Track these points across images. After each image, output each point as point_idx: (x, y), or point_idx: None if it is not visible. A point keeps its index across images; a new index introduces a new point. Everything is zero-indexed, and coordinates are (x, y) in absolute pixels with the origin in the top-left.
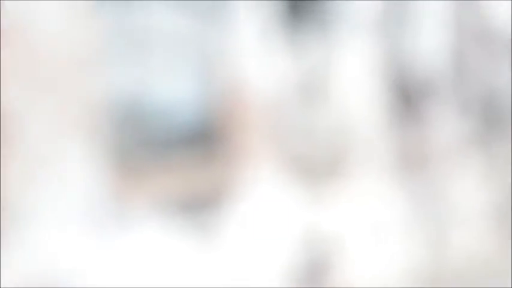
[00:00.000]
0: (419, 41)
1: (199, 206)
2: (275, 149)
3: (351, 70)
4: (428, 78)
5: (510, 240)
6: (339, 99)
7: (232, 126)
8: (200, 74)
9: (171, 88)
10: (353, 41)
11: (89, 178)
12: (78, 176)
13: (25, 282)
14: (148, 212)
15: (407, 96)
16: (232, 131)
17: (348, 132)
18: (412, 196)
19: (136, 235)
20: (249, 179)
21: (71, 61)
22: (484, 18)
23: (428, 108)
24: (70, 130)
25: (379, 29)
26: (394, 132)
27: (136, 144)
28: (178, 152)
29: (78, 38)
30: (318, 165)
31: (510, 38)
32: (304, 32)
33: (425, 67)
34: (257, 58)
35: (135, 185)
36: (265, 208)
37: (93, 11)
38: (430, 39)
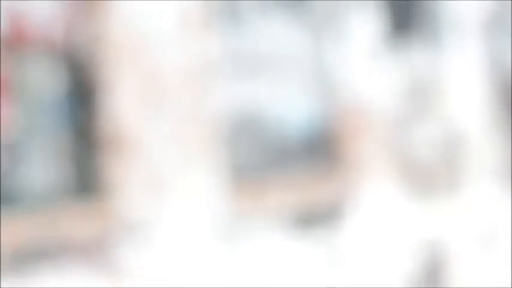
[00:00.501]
0: None
1: (317, 218)
2: (389, 159)
3: (460, 77)
4: None
5: None
6: (449, 107)
7: (347, 139)
8: (314, 87)
9: (287, 102)
10: (460, 48)
11: (210, 191)
12: (201, 189)
13: None
14: (266, 223)
15: None
16: (347, 144)
17: (459, 140)
18: None
19: (255, 246)
20: (364, 190)
21: (188, 76)
22: None
23: None
24: (191, 145)
25: (485, 35)
26: (502, 138)
27: (253, 157)
28: (295, 165)
29: (195, 54)
30: (430, 173)
31: None
32: (412, 43)
33: None
34: (369, 71)
35: (253, 198)
36: (382, 217)
37: (209, 27)
38: None
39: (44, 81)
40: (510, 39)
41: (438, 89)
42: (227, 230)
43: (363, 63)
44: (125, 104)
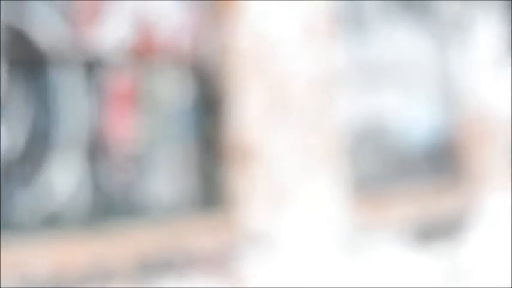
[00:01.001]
0: None
1: (439, 230)
2: None
3: None
4: None
5: None
6: None
7: (471, 149)
8: (439, 96)
9: (410, 112)
10: None
11: (332, 202)
12: (323, 200)
13: None
14: (387, 235)
15: None
16: (470, 154)
17: None
18: None
19: (376, 258)
20: (488, 201)
21: (313, 86)
22: None
23: None
24: (314, 156)
25: None
26: None
27: (375, 168)
28: (417, 176)
29: (320, 63)
30: None
31: None
32: None
33: None
34: (493, 79)
35: (375, 209)
36: (506, 230)
37: (334, 36)
38: None
39: (170, 92)
40: None
41: None
42: (348, 241)
43: (488, 71)
44: (250, 115)
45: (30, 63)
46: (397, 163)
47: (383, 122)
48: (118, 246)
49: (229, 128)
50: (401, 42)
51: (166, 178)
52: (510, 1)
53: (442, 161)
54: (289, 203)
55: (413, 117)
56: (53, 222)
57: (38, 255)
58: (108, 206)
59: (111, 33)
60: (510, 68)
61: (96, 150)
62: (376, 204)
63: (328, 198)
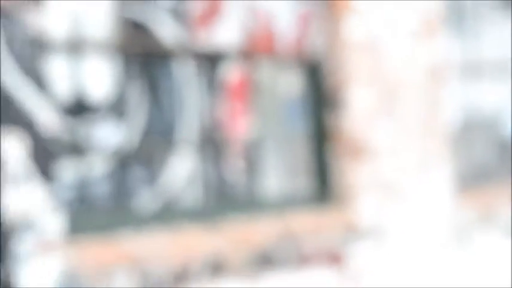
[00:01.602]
0: None
1: None
2: None
3: None
4: None
5: None
6: None
7: None
8: None
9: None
10: None
11: (443, 198)
12: (434, 196)
13: None
14: (497, 230)
15: None
16: None
17: None
18: None
19: (485, 252)
20: None
21: (423, 82)
22: None
23: None
24: (426, 152)
25: None
26: None
27: (486, 164)
28: None
29: (429, 60)
30: None
31: None
32: None
33: None
34: None
35: (484, 205)
36: None
37: (441, 34)
38: None
39: (284, 86)
40: None
41: None
42: (457, 233)
43: None
44: (362, 110)
45: (151, 57)
46: (500, 156)
47: (491, 119)
48: (232, 240)
49: (342, 123)
50: (506, 38)
51: (279, 173)
52: None
53: None
54: (400, 197)
55: None
56: (169, 216)
57: (156, 250)
58: (222, 200)
59: (228, 29)
60: None
61: (210, 143)
62: (483, 196)
63: (438, 191)
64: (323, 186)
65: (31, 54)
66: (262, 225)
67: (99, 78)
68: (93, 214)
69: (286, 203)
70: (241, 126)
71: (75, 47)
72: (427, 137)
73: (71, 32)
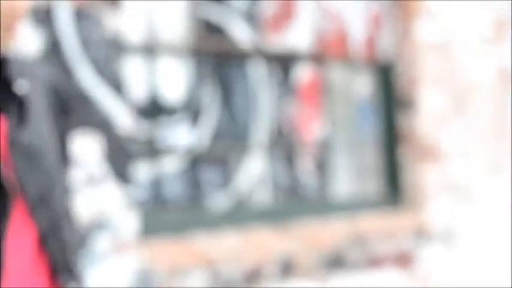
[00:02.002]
0: None
1: None
2: None
3: None
4: None
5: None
6: None
7: None
8: None
9: None
10: None
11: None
12: (505, 198)
13: None
14: None
15: None
16: None
17: None
18: None
19: None
20: None
21: (494, 86)
22: None
23: None
24: (496, 155)
25: None
26: None
27: None
28: None
29: (504, 58)
30: None
31: None
32: None
33: None
34: None
35: None
36: None
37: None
38: None
39: (354, 90)
40: None
41: None
42: None
43: None
44: (433, 113)
45: (224, 59)
46: None
47: None
48: (303, 242)
49: (413, 125)
50: None
51: (350, 174)
52: None
53: None
54: (471, 200)
55: None
56: (241, 216)
57: (227, 251)
58: (293, 202)
59: (300, 31)
60: None
61: (282, 144)
62: None
63: (509, 194)
64: (394, 188)
65: (107, 56)
66: (333, 227)
67: (173, 79)
68: (167, 214)
69: (356, 205)
70: (312, 128)
71: (151, 48)
72: (498, 140)
73: (147, 34)
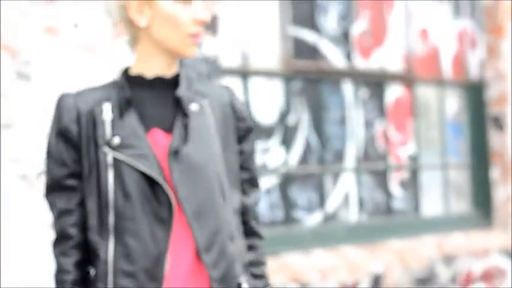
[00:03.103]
0: None
1: None
2: None
3: None
4: None
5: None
6: None
7: None
8: None
9: None
10: None
11: None
12: None
13: None
14: None
15: None
16: None
17: None
18: None
19: None
20: None
21: None
22: None
23: None
24: None
25: None
26: None
27: None
28: None
29: None
30: None
31: None
32: None
33: None
34: None
35: None
36: None
37: None
38: None
39: (445, 109)
40: None
41: None
42: None
43: None
44: None
45: (318, 80)
46: None
47: None
48: (394, 260)
49: (505, 144)
50: None
51: (442, 193)
52: None
53: None
54: None
55: None
56: (332, 235)
57: (319, 268)
58: (385, 221)
59: (391, 51)
60: None
61: (374, 163)
62: None
63: None
64: (484, 207)
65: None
66: (423, 245)
67: (267, 101)
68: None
69: (446, 224)
70: (402, 148)
71: (245, 71)
72: None
73: (241, 57)
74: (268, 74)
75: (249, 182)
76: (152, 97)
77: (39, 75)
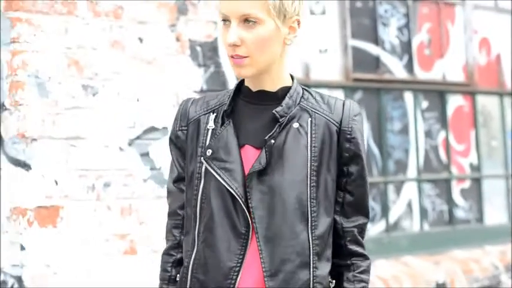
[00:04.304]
0: None
1: None
2: None
3: None
4: None
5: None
6: None
7: None
8: None
9: None
10: None
11: None
12: None
13: None
14: None
15: None
16: None
17: None
18: None
19: None
20: None
21: None
22: None
23: None
24: None
25: None
26: None
27: None
28: None
29: None
30: None
31: None
32: None
33: None
34: None
35: None
36: None
37: None
38: None
39: (507, 118)
40: None
41: None
42: None
43: None
44: None
45: (381, 90)
46: None
47: None
48: (458, 270)
49: None
50: None
51: (505, 203)
52: None
53: None
54: None
55: None
56: (396, 245)
57: (383, 280)
58: (448, 230)
59: (453, 61)
60: None
61: (436, 172)
62: None
63: None
64: None
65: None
66: (487, 254)
67: None
68: None
69: (510, 232)
70: (465, 157)
71: (308, 82)
72: None
73: (304, 68)
74: (330, 85)
75: (352, 205)
76: (253, 111)
77: (105, 89)
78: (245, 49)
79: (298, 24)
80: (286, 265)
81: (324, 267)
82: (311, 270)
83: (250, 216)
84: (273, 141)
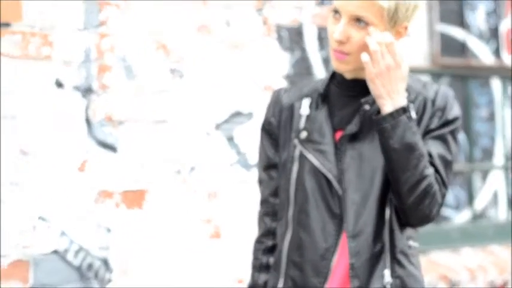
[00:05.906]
0: None
1: None
2: None
3: None
4: None
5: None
6: None
7: None
8: None
9: None
10: None
11: None
12: None
13: None
14: None
15: None
16: None
17: None
18: None
19: None
20: None
21: None
22: None
23: None
24: None
25: None
26: None
27: None
28: None
29: None
30: None
31: None
32: None
33: None
34: None
35: None
36: None
37: None
38: None
39: None
40: None
41: None
42: None
43: None
44: None
45: (467, 76)
46: None
47: None
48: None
49: None
50: None
51: None
52: None
53: None
54: None
55: None
56: (480, 234)
57: (466, 269)
58: None
59: None
60: None
61: None
62: None
63: None
64: None
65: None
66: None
67: None
68: None
69: None
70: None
71: None
72: None
73: None
74: (416, 70)
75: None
76: (346, 98)
77: (191, 72)
78: (349, 47)
79: (406, 29)
80: (367, 227)
81: (400, 233)
82: (386, 235)
83: (342, 189)
84: (367, 106)
